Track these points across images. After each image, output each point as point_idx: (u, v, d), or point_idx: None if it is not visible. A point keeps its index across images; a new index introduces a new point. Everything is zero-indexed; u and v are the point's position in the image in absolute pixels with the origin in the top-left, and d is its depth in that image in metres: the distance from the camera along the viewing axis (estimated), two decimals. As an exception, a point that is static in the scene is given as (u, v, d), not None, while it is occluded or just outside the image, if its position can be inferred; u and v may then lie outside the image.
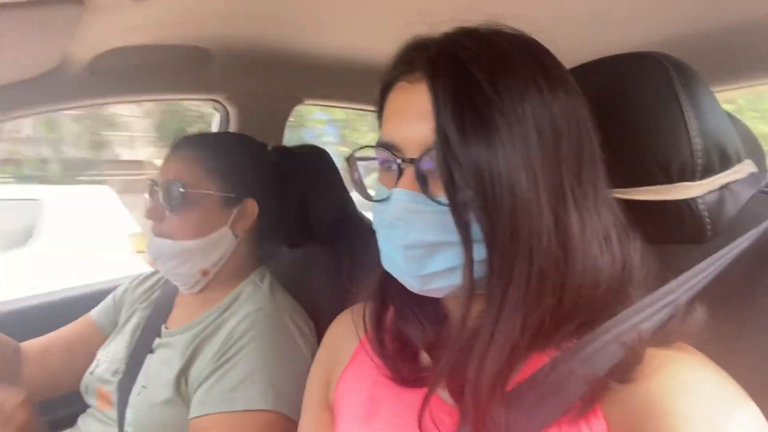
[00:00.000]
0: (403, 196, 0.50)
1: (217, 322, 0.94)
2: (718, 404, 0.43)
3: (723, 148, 0.60)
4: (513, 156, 0.46)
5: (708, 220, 0.59)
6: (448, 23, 0.54)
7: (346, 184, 1.26)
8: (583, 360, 0.46)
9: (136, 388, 0.92)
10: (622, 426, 0.45)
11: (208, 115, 1.51)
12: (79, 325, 1.12)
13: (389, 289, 0.61)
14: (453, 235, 0.48)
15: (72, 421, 1.01)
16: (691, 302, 0.50)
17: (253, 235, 1.04)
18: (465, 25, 0.53)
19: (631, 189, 0.60)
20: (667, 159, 0.59)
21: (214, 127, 1.48)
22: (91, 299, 1.17)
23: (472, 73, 0.48)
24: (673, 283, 0.50)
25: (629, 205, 0.56)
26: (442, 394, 0.55)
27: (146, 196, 1.00)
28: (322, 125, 8.46)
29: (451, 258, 0.49)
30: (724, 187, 0.60)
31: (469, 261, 0.48)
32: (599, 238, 0.50)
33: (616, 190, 0.56)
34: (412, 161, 0.50)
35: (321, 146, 1.25)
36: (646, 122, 0.60)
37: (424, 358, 0.59)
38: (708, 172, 0.59)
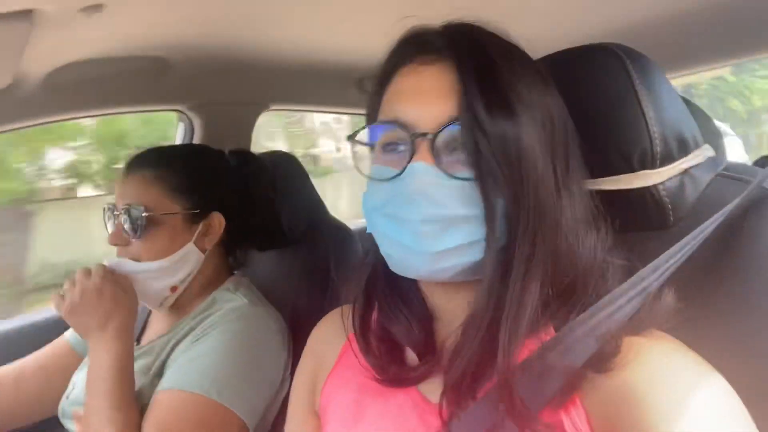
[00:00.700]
0: (423, 169, 0.49)
1: (191, 325, 0.93)
2: (693, 390, 0.44)
3: (681, 135, 0.61)
4: (531, 132, 0.49)
5: (670, 206, 0.60)
6: (416, 20, 0.55)
7: (316, 189, 1.25)
8: (561, 353, 0.47)
9: None
10: (602, 414, 0.46)
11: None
12: (54, 348, 1.08)
13: (374, 288, 0.61)
14: (471, 209, 0.49)
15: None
16: (661, 288, 0.51)
17: (221, 246, 1.03)
18: (424, 21, 0.55)
19: (595, 180, 0.61)
20: (627, 148, 0.60)
21: (178, 139, 1.45)
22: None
23: (492, 57, 0.50)
24: (643, 271, 0.51)
25: (594, 195, 0.57)
26: (429, 394, 0.55)
27: (106, 221, 0.97)
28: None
29: (466, 234, 0.49)
30: (683, 173, 0.61)
31: (493, 233, 0.48)
32: (582, 217, 0.52)
33: (586, 180, 0.58)
34: (427, 136, 0.50)
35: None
36: (605, 113, 0.61)
37: (411, 358, 0.59)
38: (667, 158, 0.60)
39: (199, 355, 0.86)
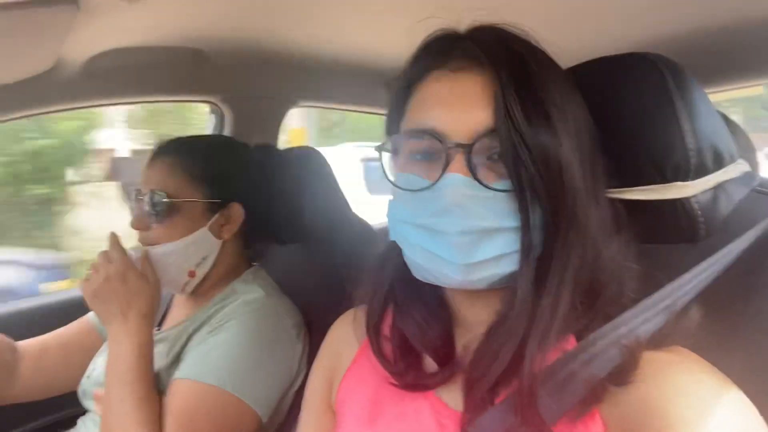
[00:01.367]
0: (459, 180, 0.48)
1: (209, 314, 0.95)
2: (715, 407, 0.43)
3: (716, 148, 0.60)
4: (567, 143, 0.48)
5: (701, 220, 0.59)
6: (446, 23, 0.54)
7: (339, 185, 1.26)
8: (584, 362, 0.46)
9: None
10: (620, 428, 0.45)
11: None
12: (76, 326, 1.11)
13: (392, 292, 0.60)
14: (507, 221, 0.48)
15: (72, 423, 1.01)
16: (687, 304, 0.50)
17: (240, 237, 1.04)
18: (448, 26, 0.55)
19: (626, 189, 0.60)
20: (662, 159, 0.59)
21: (209, 130, 1.47)
22: None
23: (529, 64, 0.49)
24: (670, 287, 0.50)
25: (624, 205, 0.56)
26: (446, 398, 0.55)
27: (130, 204, 0.99)
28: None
29: (501, 245, 0.49)
30: (717, 187, 0.60)
31: (528, 245, 0.48)
32: (606, 224, 0.51)
33: (612, 189, 0.57)
34: (463, 146, 0.48)
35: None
36: (641, 123, 0.60)
37: (428, 362, 0.58)
38: (702, 171, 0.59)
39: (216, 346, 0.87)
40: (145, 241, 0.96)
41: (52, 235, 5.53)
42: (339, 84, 1.42)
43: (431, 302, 0.59)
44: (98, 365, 1.01)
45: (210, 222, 0.97)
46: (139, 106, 5.95)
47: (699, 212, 0.59)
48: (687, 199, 0.59)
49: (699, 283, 0.52)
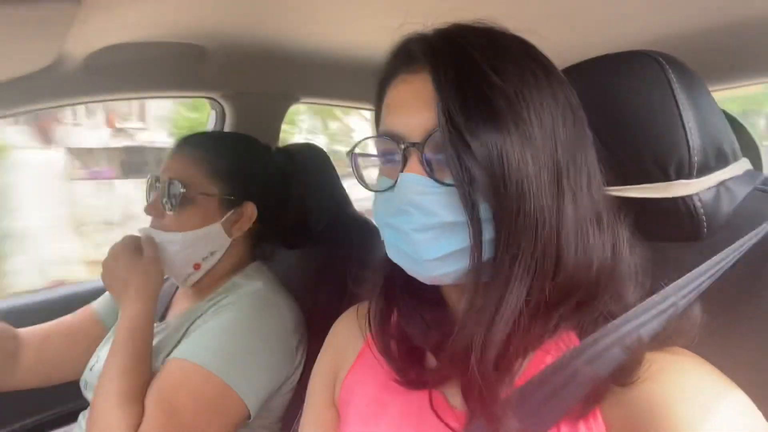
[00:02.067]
0: (412, 179, 0.50)
1: (208, 305, 0.95)
2: (717, 408, 0.43)
3: (719, 146, 0.60)
4: (517, 137, 0.47)
5: (704, 218, 0.59)
6: (442, 21, 0.54)
7: (342, 182, 1.26)
8: (587, 361, 0.46)
9: None
10: (621, 429, 0.45)
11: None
12: (79, 315, 1.12)
13: (393, 289, 0.61)
14: (462, 215, 0.48)
15: (74, 417, 1.01)
16: (691, 304, 0.50)
17: (249, 237, 1.05)
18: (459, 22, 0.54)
19: (628, 186, 0.60)
20: (664, 157, 0.59)
21: (210, 126, 1.47)
22: (96, 295, 1.16)
23: (474, 58, 0.49)
24: (672, 287, 0.50)
25: (626, 203, 0.56)
26: (450, 396, 0.55)
27: (147, 191, 1.00)
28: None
29: (461, 240, 0.49)
30: (720, 185, 0.60)
31: (478, 239, 0.48)
32: (591, 218, 0.51)
33: (614, 187, 0.57)
34: (416, 145, 0.50)
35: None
36: (643, 120, 0.60)
37: (431, 360, 0.59)
38: (704, 169, 0.59)
39: (209, 329, 0.89)
40: (157, 227, 0.97)
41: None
42: (340, 80, 1.42)
43: (430, 298, 0.60)
44: (101, 357, 1.01)
45: (223, 218, 0.98)
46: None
47: (701, 210, 0.59)
48: (689, 197, 0.59)
49: (702, 283, 0.51)
